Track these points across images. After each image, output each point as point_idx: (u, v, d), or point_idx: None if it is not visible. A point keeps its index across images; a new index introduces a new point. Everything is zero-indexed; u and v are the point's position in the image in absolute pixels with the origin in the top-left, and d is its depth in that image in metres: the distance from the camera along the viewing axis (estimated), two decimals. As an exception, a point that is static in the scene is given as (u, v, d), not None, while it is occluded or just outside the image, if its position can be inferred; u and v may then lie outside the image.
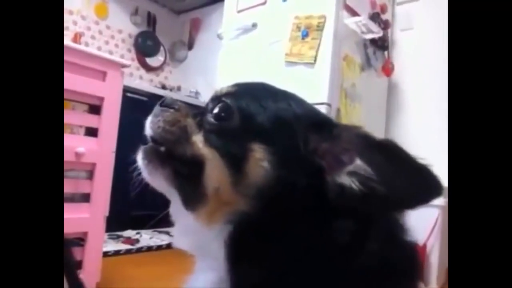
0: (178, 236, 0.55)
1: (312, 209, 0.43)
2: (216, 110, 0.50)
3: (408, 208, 0.43)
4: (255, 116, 0.48)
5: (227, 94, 0.52)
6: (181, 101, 0.56)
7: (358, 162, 0.42)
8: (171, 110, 0.54)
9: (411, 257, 0.47)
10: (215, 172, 0.47)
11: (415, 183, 0.41)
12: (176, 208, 0.52)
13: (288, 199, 0.44)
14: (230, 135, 0.48)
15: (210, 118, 0.50)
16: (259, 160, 0.45)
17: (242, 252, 0.44)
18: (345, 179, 0.42)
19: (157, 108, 0.55)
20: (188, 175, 0.49)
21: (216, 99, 0.52)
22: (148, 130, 0.54)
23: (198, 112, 0.54)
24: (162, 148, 0.52)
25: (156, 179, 0.52)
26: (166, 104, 0.55)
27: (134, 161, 0.54)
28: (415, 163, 0.41)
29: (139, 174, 0.53)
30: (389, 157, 0.41)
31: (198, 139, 0.50)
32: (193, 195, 0.48)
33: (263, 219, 0.44)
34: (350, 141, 0.44)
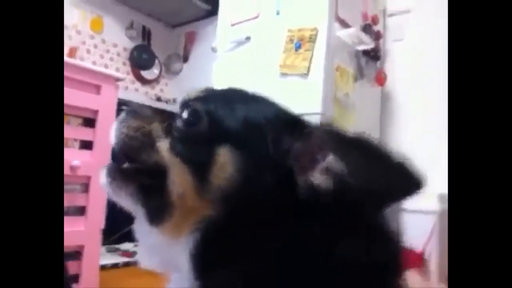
0: (143, 255, 0.53)
1: (283, 210, 0.42)
2: (184, 115, 0.49)
3: (386, 203, 0.42)
4: (224, 119, 0.47)
5: (196, 99, 0.51)
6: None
7: (331, 158, 0.41)
8: (138, 117, 0.53)
9: (393, 253, 0.46)
10: (178, 178, 0.46)
11: (391, 177, 0.39)
12: (140, 226, 0.50)
13: (256, 202, 0.43)
14: (197, 141, 0.47)
15: (178, 124, 0.49)
16: (224, 164, 0.44)
17: (209, 260, 0.43)
18: (318, 178, 0.41)
19: (122, 115, 0.54)
20: (152, 186, 0.48)
21: (185, 104, 0.51)
22: (112, 137, 0.52)
23: (167, 118, 0.53)
24: (126, 165, 0.52)
25: (121, 197, 0.51)
26: (132, 110, 0.54)
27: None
28: (389, 157, 0.40)
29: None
30: (363, 152, 0.41)
31: (163, 145, 0.49)
32: (158, 208, 0.47)
33: (231, 223, 0.43)
34: (322, 139, 0.43)
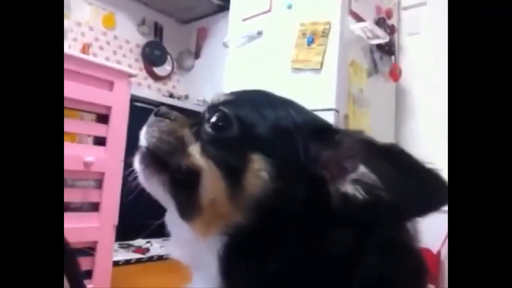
0: (173, 246, 0.53)
1: (312, 220, 0.42)
2: (213, 120, 0.49)
3: (416, 216, 0.41)
4: (254, 125, 0.47)
5: (225, 103, 0.50)
6: (185, 110, 0.55)
7: (362, 169, 0.40)
8: (167, 120, 0.53)
9: (415, 268, 0.45)
10: (211, 183, 0.46)
11: (424, 189, 0.39)
12: (172, 217, 0.51)
13: (287, 210, 0.42)
14: (228, 146, 0.47)
15: (207, 128, 0.49)
16: (258, 171, 0.44)
17: (236, 265, 0.43)
18: (349, 188, 0.41)
19: (151, 118, 0.54)
20: (184, 185, 0.48)
21: (213, 108, 0.50)
22: (143, 141, 0.52)
23: (195, 122, 0.53)
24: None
25: (153, 185, 0.50)
26: (161, 114, 0.54)
27: (130, 165, 0.53)
28: (422, 168, 0.39)
29: (135, 179, 0.52)
30: (395, 162, 0.40)
31: (194, 150, 0.49)
32: (189, 205, 0.47)
33: (260, 231, 0.43)
34: (352, 147, 0.42)
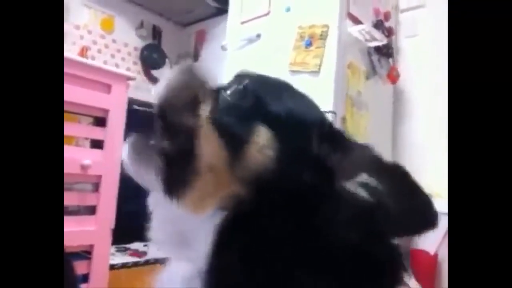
0: (156, 228, 0.51)
1: (313, 208, 0.42)
2: (232, 87, 0.49)
3: (402, 234, 0.44)
4: (270, 102, 0.47)
5: (249, 76, 0.51)
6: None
7: (366, 176, 0.42)
8: (189, 75, 0.53)
9: (395, 256, 0.45)
10: (211, 147, 0.45)
11: (417, 213, 0.41)
12: (156, 199, 0.49)
13: (291, 192, 0.42)
14: (238, 115, 0.46)
15: (223, 94, 0.49)
16: (262, 146, 0.44)
17: (231, 242, 0.42)
18: (352, 187, 0.42)
19: (174, 72, 0.54)
20: (180, 151, 0.46)
21: (237, 78, 0.51)
22: (157, 88, 0.52)
23: (217, 87, 0.52)
24: (152, 142, 0.50)
25: (143, 171, 0.49)
26: (186, 69, 0.54)
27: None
28: (421, 193, 0.41)
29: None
30: (397, 182, 0.41)
31: (204, 109, 0.48)
32: (181, 177, 0.45)
33: (260, 209, 0.42)
34: (359, 158, 0.44)
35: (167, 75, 0.54)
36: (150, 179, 0.49)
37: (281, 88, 0.51)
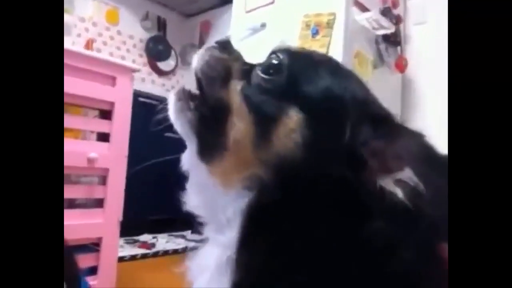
0: (190, 193, 0.50)
1: (343, 203, 0.38)
2: (266, 63, 0.47)
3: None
4: (304, 81, 0.43)
5: (285, 51, 0.48)
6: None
7: (409, 172, 0.36)
8: (224, 50, 0.52)
9: (441, 269, 0.40)
10: (240, 124, 0.44)
11: None
12: (191, 159, 0.49)
13: (315, 183, 0.39)
14: (270, 93, 0.44)
15: (257, 70, 0.47)
16: (290, 130, 0.41)
17: (259, 226, 0.40)
18: (389, 185, 0.37)
19: (211, 43, 0.53)
20: (211, 122, 0.46)
21: (273, 53, 0.48)
22: (194, 62, 0.52)
23: (251, 63, 0.51)
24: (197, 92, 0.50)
25: (180, 119, 0.49)
26: (222, 43, 0.53)
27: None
28: None
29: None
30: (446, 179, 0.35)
31: (236, 85, 0.47)
32: (212, 145, 0.45)
33: (284, 196, 0.39)
34: (407, 148, 0.38)
35: (205, 46, 0.53)
36: (186, 132, 0.49)
37: (321, 65, 0.46)
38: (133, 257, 2.13)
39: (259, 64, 0.48)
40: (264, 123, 0.42)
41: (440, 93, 2.19)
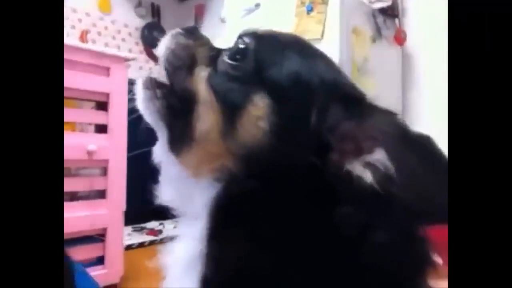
0: (163, 186, 0.49)
1: (312, 190, 0.37)
2: (233, 48, 0.45)
3: (432, 223, 0.36)
4: (270, 66, 0.42)
5: (251, 34, 0.46)
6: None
7: (380, 154, 0.34)
8: (190, 36, 0.50)
9: (423, 252, 0.39)
10: (207, 113, 0.43)
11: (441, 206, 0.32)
12: (162, 150, 0.48)
13: (283, 172, 0.38)
14: (236, 79, 0.43)
15: (224, 55, 0.45)
16: (258, 116, 0.40)
17: (228, 218, 0.39)
18: (357, 168, 0.35)
19: (176, 30, 0.51)
20: (179, 112, 0.45)
21: (239, 37, 0.46)
22: (159, 49, 0.50)
23: (218, 49, 0.49)
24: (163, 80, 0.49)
25: (149, 109, 0.48)
26: (188, 29, 0.51)
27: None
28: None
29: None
30: (424, 159, 0.33)
31: (201, 72, 0.46)
32: (181, 135, 0.44)
33: (253, 186, 0.38)
34: (380, 128, 0.36)
35: (169, 32, 0.51)
36: (155, 123, 0.48)
37: (289, 47, 0.44)
38: (141, 245, 2.15)
39: (226, 50, 0.46)
40: (232, 112, 0.41)
41: (441, 64, 2.14)
